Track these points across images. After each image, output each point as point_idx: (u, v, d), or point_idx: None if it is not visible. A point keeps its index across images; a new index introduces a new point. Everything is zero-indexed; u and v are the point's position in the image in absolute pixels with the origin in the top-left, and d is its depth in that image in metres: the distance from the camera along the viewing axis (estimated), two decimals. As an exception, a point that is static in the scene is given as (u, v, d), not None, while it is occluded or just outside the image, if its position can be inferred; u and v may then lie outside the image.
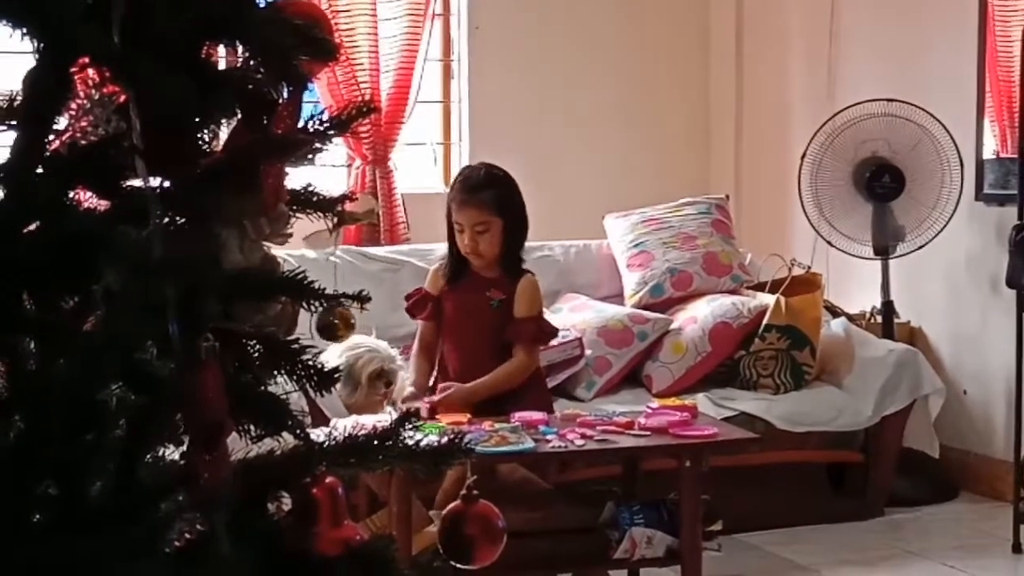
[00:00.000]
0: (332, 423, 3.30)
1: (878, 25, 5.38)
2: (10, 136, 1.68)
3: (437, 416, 3.62)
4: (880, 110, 4.93)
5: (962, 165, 4.83)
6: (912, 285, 5.13)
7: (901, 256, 4.97)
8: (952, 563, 4.20)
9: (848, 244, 5.02)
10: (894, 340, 4.92)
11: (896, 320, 5.05)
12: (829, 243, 5.04)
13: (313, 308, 1.77)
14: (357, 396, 3.89)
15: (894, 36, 5.30)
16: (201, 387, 1.58)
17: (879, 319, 5.04)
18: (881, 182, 4.90)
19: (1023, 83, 4.37)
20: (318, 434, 1.83)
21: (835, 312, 5.02)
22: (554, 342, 4.18)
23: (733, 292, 4.91)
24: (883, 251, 4.96)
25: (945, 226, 4.85)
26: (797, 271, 4.85)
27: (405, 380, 3.99)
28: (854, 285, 5.23)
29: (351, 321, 2.88)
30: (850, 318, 5.00)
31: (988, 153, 4.90)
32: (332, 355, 3.64)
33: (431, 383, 3.97)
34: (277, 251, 1.90)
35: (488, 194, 3.84)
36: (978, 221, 4.91)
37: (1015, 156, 4.58)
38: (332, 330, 3.01)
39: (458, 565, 2.71)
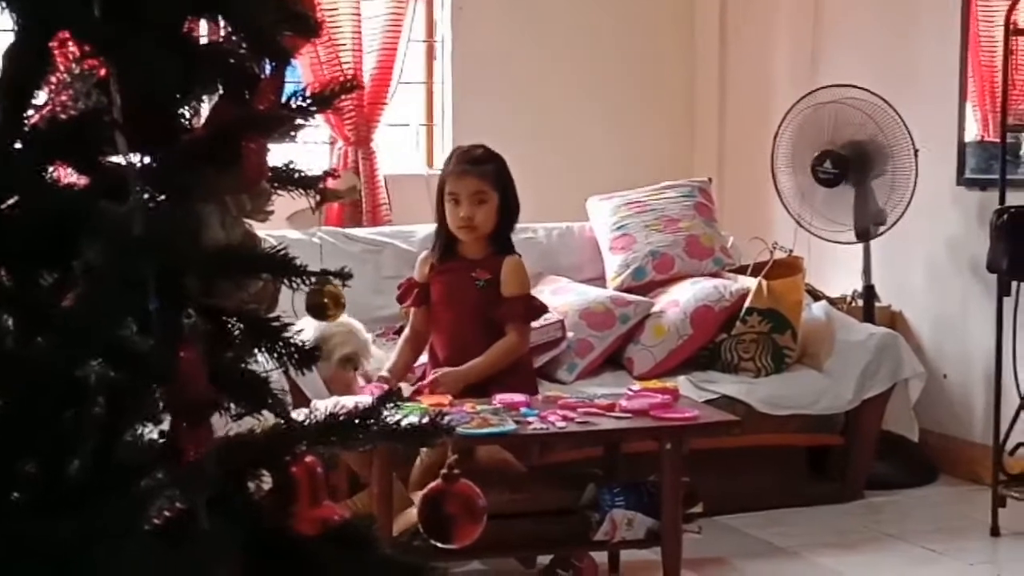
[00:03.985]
0: (312, 403, 3.29)
1: (862, 8, 5.38)
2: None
3: (419, 397, 3.61)
4: (832, 97, 4.94)
5: (915, 152, 4.82)
6: (893, 269, 5.14)
7: (846, 244, 4.98)
8: (931, 546, 4.21)
9: (826, 226, 5.02)
10: (875, 324, 4.93)
11: (877, 304, 5.06)
12: (807, 229, 5.04)
13: (295, 286, 1.76)
14: (324, 372, 3.86)
15: (878, 20, 5.30)
16: (180, 364, 1.57)
17: (860, 303, 5.05)
18: (824, 167, 4.92)
19: (1005, 68, 4.37)
20: (299, 413, 1.83)
21: (816, 296, 5.03)
22: (536, 324, 4.18)
23: (715, 275, 4.91)
24: (864, 234, 4.97)
25: (902, 215, 4.85)
26: (779, 254, 4.86)
27: (382, 363, 3.99)
28: (835, 269, 5.24)
29: (341, 300, 2.86)
30: (831, 302, 5.01)
31: (970, 137, 4.91)
32: (309, 327, 3.63)
33: (420, 370, 3.97)
34: (259, 230, 1.90)
35: (489, 167, 3.90)
36: (960, 205, 4.92)
37: (997, 140, 4.59)
38: (322, 310, 3.00)
39: (438, 544, 2.71)
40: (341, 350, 3.88)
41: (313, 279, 1.82)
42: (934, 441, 4.95)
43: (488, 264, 3.90)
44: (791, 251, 4.90)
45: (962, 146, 4.90)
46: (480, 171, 3.88)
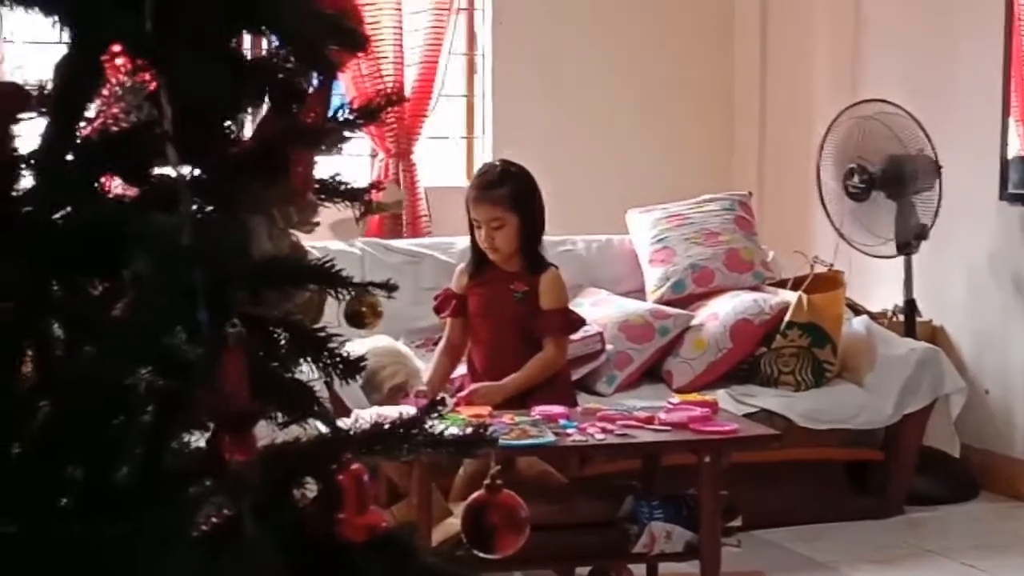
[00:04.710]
0: (354, 414, 3.31)
1: (903, 22, 5.36)
2: (42, 123, 1.69)
3: (458, 409, 3.63)
4: (870, 112, 4.94)
5: (938, 169, 4.80)
6: (935, 284, 5.12)
7: (887, 258, 4.96)
8: (971, 562, 4.19)
9: (867, 240, 5.01)
10: (916, 339, 4.91)
11: (918, 319, 5.04)
12: (848, 242, 5.03)
13: (340, 296, 1.77)
14: (374, 399, 3.90)
15: (919, 34, 5.28)
16: (224, 372, 1.59)
17: (901, 317, 5.04)
18: (852, 181, 4.93)
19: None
20: (344, 422, 1.84)
21: (857, 310, 5.02)
22: (575, 336, 4.19)
23: (755, 289, 4.91)
24: (906, 248, 4.95)
25: (931, 228, 4.84)
26: (819, 268, 4.85)
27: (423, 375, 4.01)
28: (876, 283, 5.22)
29: (379, 309, 2.88)
30: (872, 316, 4.99)
31: (1013, 152, 4.89)
32: (359, 349, 3.65)
33: (457, 381, 3.98)
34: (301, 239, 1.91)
35: (502, 190, 3.87)
36: (1002, 220, 4.90)
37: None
38: (360, 318, 3.02)
39: (481, 554, 2.72)
40: (391, 381, 3.90)
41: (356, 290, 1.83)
42: (975, 457, 4.93)
43: (524, 277, 3.91)
44: (832, 265, 4.89)
45: (1004, 161, 4.88)
46: (493, 197, 3.86)
